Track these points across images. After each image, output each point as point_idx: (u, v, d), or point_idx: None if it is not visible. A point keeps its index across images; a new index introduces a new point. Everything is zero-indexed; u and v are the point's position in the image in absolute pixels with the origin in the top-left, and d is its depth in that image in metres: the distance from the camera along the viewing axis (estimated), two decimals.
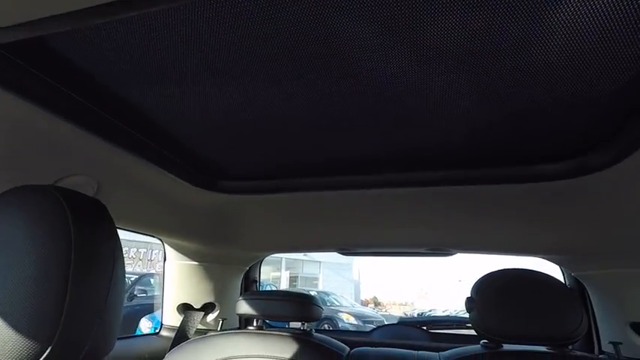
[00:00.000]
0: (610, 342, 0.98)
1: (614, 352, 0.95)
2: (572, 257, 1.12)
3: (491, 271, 0.99)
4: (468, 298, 0.96)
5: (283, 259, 13.79)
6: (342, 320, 7.67)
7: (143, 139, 0.77)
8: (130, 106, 0.67)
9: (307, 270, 14.82)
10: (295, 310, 1.11)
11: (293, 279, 13.85)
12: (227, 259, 1.36)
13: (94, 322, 0.43)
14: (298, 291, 1.19)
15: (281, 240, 1.23)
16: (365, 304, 13.93)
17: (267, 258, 1.55)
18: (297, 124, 0.70)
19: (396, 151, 0.80)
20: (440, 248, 1.19)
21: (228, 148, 0.82)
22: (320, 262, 14.96)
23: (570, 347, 0.93)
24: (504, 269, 0.97)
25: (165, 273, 1.32)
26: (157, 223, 1.01)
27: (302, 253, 14.35)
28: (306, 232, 1.13)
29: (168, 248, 1.27)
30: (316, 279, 14.71)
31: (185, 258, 1.28)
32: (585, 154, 0.74)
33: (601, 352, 1.14)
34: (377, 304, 15.64)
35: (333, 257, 14.49)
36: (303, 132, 0.74)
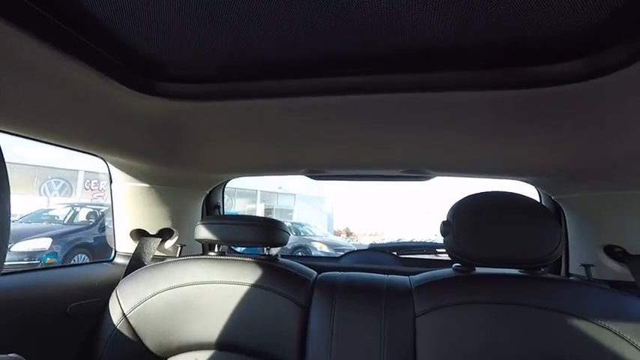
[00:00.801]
0: (582, 264, 0.97)
1: (583, 275, 0.94)
2: (553, 179, 1.06)
3: (470, 194, 0.92)
4: (443, 221, 0.91)
5: (258, 191, 13.91)
6: (315, 249, 8.02)
7: (53, 19, 0.57)
8: None
9: (282, 202, 15.07)
10: (259, 235, 1.03)
11: (268, 211, 14.10)
12: (183, 182, 1.23)
13: None
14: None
15: (241, 160, 1.10)
16: (338, 234, 14.53)
17: (242, 190, 1.44)
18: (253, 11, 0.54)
19: (371, 49, 0.65)
20: (416, 170, 1.10)
21: (167, 38, 0.64)
22: (295, 194, 15.21)
23: (543, 269, 0.90)
24: (483, 192, 0.91)
25: (112, 196, 1.18)
26: (85, 134, 0.84)
27: (277, 187, 14.51)
28: (269, 151, 1.00)
29: (112, 168, 1.12)
30: (291, 211, 15.04)
31: (134, 179, 1.14)
32: (598, 52, 0.61)
33: (568, 274, 1.15)
34: (349, 234, 16.38)
35: (307, 190, 14.75)
36: (261, 21, 0.57)
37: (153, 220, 1.23)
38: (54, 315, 0.96)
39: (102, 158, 1.04)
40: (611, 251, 1.01)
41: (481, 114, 0.75)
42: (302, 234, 9.06)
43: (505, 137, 0.83)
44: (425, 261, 1.41)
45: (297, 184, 14.70)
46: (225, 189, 1.52)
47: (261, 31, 0.60)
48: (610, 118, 0.69)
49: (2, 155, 0.37)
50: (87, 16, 0.58)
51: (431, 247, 1.47)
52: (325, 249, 8.03)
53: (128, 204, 1.19)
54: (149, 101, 0.76)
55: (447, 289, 0.88)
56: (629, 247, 0.96)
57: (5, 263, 0.35)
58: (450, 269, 0.95)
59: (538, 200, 1.23)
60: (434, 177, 1.21)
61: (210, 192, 1.40)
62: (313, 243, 8.24)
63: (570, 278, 1.12)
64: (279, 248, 1.12)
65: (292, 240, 8.19)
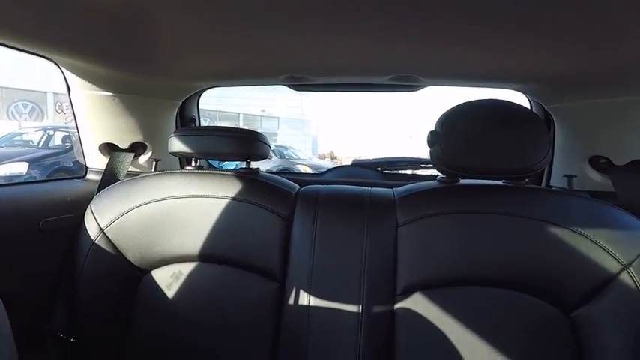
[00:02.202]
0: (565, 175, 0.97)
1: (563, 187, 0.95)
2: (547, 87, 1.02)
3: (460, 103, 0.87)
4: (431, 131, 0.87)
5: (241, 114, 13.60)
6: (300, 171, 8.10)
7: None
8: None
9: (265, 126, 14.84)
10: (237, 147, 0.97)
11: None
12: (151, 90, 1.12)
13: None
14: None
15: (216, 65, 0.99)
16: (322, 157, 14.63)
17: (223, 113, 1.33)
18: None
19: None
20: (405, 77, 1.02)
21: None
22: (278, 117, 14.95)
23: (526, 180, 0.90)
24: (473, 100, 0.86)
25: (73, 107, 1.07)
26: (25, 27, 0.72)
27: (260, 109, 14.15)
28: (244, 53, 0.89)
29: (68, 74, 0.99)
30: (275, 135, 14.89)
31: (95, 87, 1.03)
32: None
33: (548, 186, 1.16)
34: (333, 157, 16.50)
35: (291, 113, 14.46)
36: None
37: (122, 133, 1.14)
38: (26, 230, 0.93)
39: (53, 62, 0.92)
40: (596, 162, 1.01)
41: (471, 14, 0.66)
42: (286, 157, 9.08)
43: (497, 40, 0.76)
44: (409, 176, 1.40)
45: (280, 106, 14.35)
46: (206, 112, 1.43)
47: None
48: (610, 20, 0.62)
49: None
50: None
51: (415, 163, 1.45)
52: (309, 171, 8.14)
53: (92, 115, 1.09)
54: None
55: (429, 199, 0.88)
56: (614, 158, 0.96)
57: None
58: (435, 181, 0.94)
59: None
60: (423, 86, 1.14)
61: (183, 103, 1.30)
62: (297, 166, 8.30)
63: (553, 188, 1.13)
64: (259, 162, 1.07)
65: (276, 163, 8.21)
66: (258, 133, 1.03)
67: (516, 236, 0.79)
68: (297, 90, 1.23)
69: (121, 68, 0.95)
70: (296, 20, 0.71)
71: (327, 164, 10.36)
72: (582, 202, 0.82)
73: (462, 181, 0.92)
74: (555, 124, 1.09)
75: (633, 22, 0.61)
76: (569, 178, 0.95)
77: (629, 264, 0.73)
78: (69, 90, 1.05)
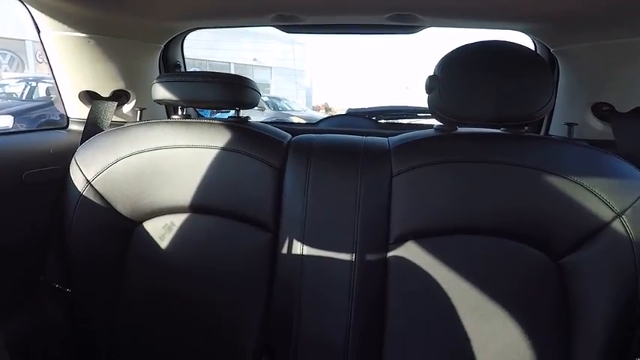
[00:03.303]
0: (566, 123, 0.94)
1: (562, 135, 0.92)
2: (554, 25, 0.95)
3: (461, 45, 0.82)
4: (429, 76, 0.82)
5: (232, 64, 13.14)
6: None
7: None
8: None
9: (258, 76, 14.38)
10: (225, 94, 0.92)
11: None
12: (129, 32, 1.04)
13: None
14: None
15: (197, 1, 0.91)
16: (317, 109, 14.41)
17: (213, 63, 1.24)
18: None
19: None
20: (403, 17, 0.95)
21: None
22: (271, 67, 14.48)
23: (526, 128, 0.87)
24: (476, 42, 0.80)
25: (45, 50, 1.00)
26: None
27: (252, 58, 13.64)
28: None
29: (34, 11, 0.91)
30: (268, 85, 14.51)
31: (66, 27, 0.94)
32: None
33: (547, 134, 1.14)
34: (328, 109, 16.24)
35: (284, 63, 13.98)
36: None
37: (102, 79, 1.07)
38: (9, 182, 0.90)
39: None
40: (598, 110, 0.98)
41: None
42: (280, 109, 8.92)
43: None
44: (405, 125, 1.36)
45: (273, 56, 13.83)
46: (194, 61, 1.35)
47: None
48: None
49: None
50: None
51: (412, 112, 1.41)
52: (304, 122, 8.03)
53: (66, 60, 1.02)
54: None
55: (425, 148, 0.85)
56: (618, 105, 0.92)
57: None
58: (432, 130, 0.91)
59: None
60: (423, 27, 1.07)
61: (166, 47, 1.21)
62: (291, 118, 8.18)
63: (553, 136, 1.11)
64: (252, 114, 1.03)
65: (269, 115, 8.07)
66: (247, 78, 0.97)
67: (511, 185, 0.78)
68: (287, 32, 1.15)
69: (93, 6, 0.87)
70: None
71: (322, 116, 10.20)
72: (580, 150, 0.80)
73: (460, 130, 0.89)
74: (560, 69, 1.04)
75: None
76: (570, 125, 0.92)
77: (623, 212, 0.73)
78: (38, 31, 0.96)
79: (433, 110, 0.85)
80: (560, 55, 1.02)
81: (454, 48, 0.82)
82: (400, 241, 0.83)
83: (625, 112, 0.92)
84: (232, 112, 1.00)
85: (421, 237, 0.82)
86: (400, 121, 1.42)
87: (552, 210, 0.76)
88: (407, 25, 1.04)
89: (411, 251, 0.82)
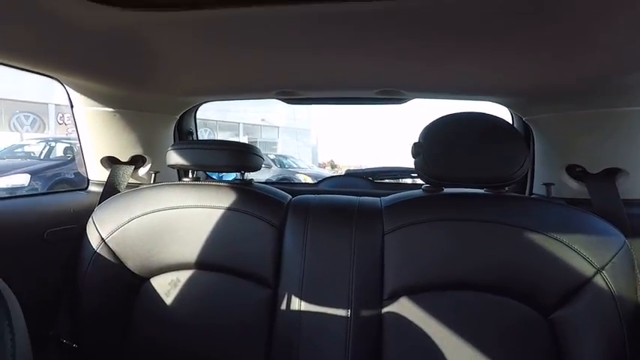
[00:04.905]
0: (543, 183, 1.01)
1: (544, 194, 0.99)
2: (523, 99, 1.06)
3: (441, 116, 0.92)
4: (414, 143, 0.92)
5: (241, 124, 13.66)
6: (300, 180, 8.13)
7: None
8: None
9: (266, 135, 14.91)
10: (231, 159, 1.02)
11: (252, 144, 13.95)
12: (149, 106, 1.18)
13: None
14: None
15: (209, 81, 1.05)
16: (322, 166, 14.67)
17: (224, 123, 1.38)
18: None
19: None
20: (390, 91, 1.08)
21: None
22: (278, 127, 15.01)
23: (507, 189, 0.94)
24: (454, 113, 0.91)
25: (76, 122, 1.13)
26: (32, 51, 0.78)
27: (260, 119, 14.22)
28: (237, 71, 0.95)
29: (71, 91, 1.05)
30: (275, 144, 14.95)
31: (96, 104, 1.08)
32: None
33: (531, 194, 1.21)
34: (334, 166, 16.53)
35: (291, 122, 14.54)
36: None
37: (123, 146, 1.20)
38: (32, 240, 0.97)
39: (58, 80, 0.98)
40: (572, 171, 1.05)
41: (446, 29, 0.71)
42: (286, 166, 9.12)
43: (474, 56, 0.80)
44: (398, 185, 1.45)
45: (280, 115, 14.42)
46: (207, 122, 1.49)
47: None
48: (583, 33, 0.67)
49: None
50: None
51: (406, 172, 1.50)
52: (309, 180, 8.16)
53: (94, 130, 1.15)
54: (97, 10, 0.69)
55: (414, 207, 0.92)
56: (589, 166, 1.00)
57: None
58: (420, 190, 0.98)
59: (510, 122, 1.24)
60: (408, 99, 1.20)
61: (181, 117, 1.35)
62: (297, 175, 8.34)
63: (532, 196, 1.17)
64: (260, 172, 1.12)
65: (276, 172, 8.25)
66: (251, 145, 1.08)
67: (496, 242, 0.83)
68: (289, 103, 1.28)
69: (121, 86, 1.01)
70: (285, 40, 0.76)
71: (327, 173, 10.39)
72: (558, 209, 0.86)
73: (446, 190, 0.97)
74: (534, 134, 1.14)
75: (601, 36, 0.65)
76: (548, 185, 0.99)
77: (602, 267, 0.78)
78: (72, 106, 1.10)
79: (419, 173, 0.93)
80: (533, 123, 1.13)
81: (435, 118, 0.93)
82: (394, 297, 0.87)
83: (596, 172, 0.99)
84: (238, 174, 1.09)
85: (414, 293, 0.86)
86: (395, 180, 1.50)
87: (536, 266, 0.81)
88: (394, 98, 1.17)
89: (404, 307, 0.86)
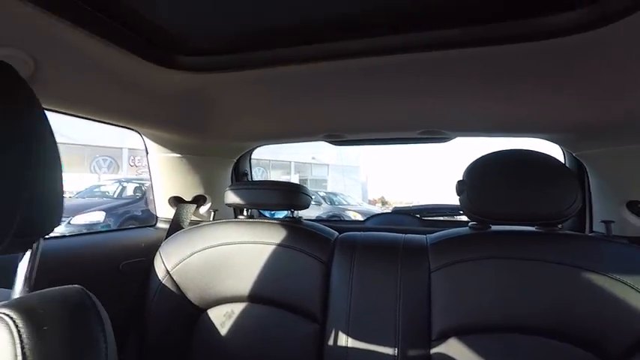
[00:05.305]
0: (602, 221, 0.96)
1: (605, 232, 0.94)
2: (573, 135, 1.04)
3: (485, 154, 0.93)
4: (458, 181, 0.93)
5: (292, 162, 14.08)
6: (349, 217, 8.10)
7: (85, 7, 0.64)
8: None
9: (316, 173, 15.20)
10: (282, 198, 1.10)
11: (303, 181, 14.26)
12: (211, 151, 1.32)
13: (17, 194, 0.38)
14: None
15: (264, 129, 1.16)
16: (373, 203, 14.50)
17: (276, 162, 1.51)
18: None
19: (381, 8, 0.66)
20: (434, 131, 1.11)
21: (185, 14, 0.69)
22: (328, 164, 15.26)
23: (560, 226, 0.91)
24: (498, 151, 0.92)
25: (150, 166, 1.29)
26: (118, 109, 0.93)
27: (310, 157, 14.60)
28: (289, 118, 1.05)
29: (147, 140, 1.22)
30: (325, 181, 15.15)
31: (167, 150, 1.24)
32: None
33: (592, 231, 1.14)
34: (384, 203, 16.28)
35: (340, 160, 14.73)
36: None
37: (187, 187, 1.33)
38: (110, 270, 1.10)
39: (137, 131, 1.14)
40: (634, 207, 0.99)
41: (493, 71, 0.75)
42: (336, 204, 9.16)
43: (519, 94, 0.82)
44: (446, 222, 1.43)
45: (330, 154, 14.70)
46: (260, 161, 1.62)
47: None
48: (630, 68, 0.67)
49: (54, 138, 0.44)
50: (119, 3, 0.64)
51: (454, 209, 1.49)
52: (359, 217, 8.09)
53: (164, 173, 1.30)
54: (172, 75, 0.82)
55: (461, 245, 0.91)
56: None
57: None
58: (466, 228, 0.98)
59: (562, 158, 1.20)
60: (452, 138, 1.22)
61: (237, 160, 1.48)
62: (347, 212, 8.32)
63: (590, 234, 1.11)
64: (310, 210, 1.18)
65: (326, 209, 8.31)
66: (301, 185, 1.15)
67: (551, 283, 0.80)
68: (335, 145, 1.36)
69: (187, 135, 1.15)
70: (335, 89, 0.84)
71: (377, 210, 10.26)
72: (619, 248, 0.82)
73: (494, 228, 0.95)
74: (587, 170, 1.10)
75: None
76: (607, 223, 0.94)
77: None
78: (147, 152, 1.27)
79: (465, 210, 0.93)
80: (584, 158, 1.09)
81: (479, 156, 0.94)
82: (443, 338, 0.85)
83: None
84: (288, 212, 1.16)
85: (464, 334, 0.84)
86: (444, 218, 1.49)
87: (598, 310, 0.76)
88: (437, 137, 1.19)
89: (454, 349, 0.84)
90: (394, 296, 0.90)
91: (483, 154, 0.93)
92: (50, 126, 0.45)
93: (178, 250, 1.10)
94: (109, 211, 6.34)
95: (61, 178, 0.46)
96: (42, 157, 0.42)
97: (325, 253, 1.01)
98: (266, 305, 1.02)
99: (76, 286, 0.43)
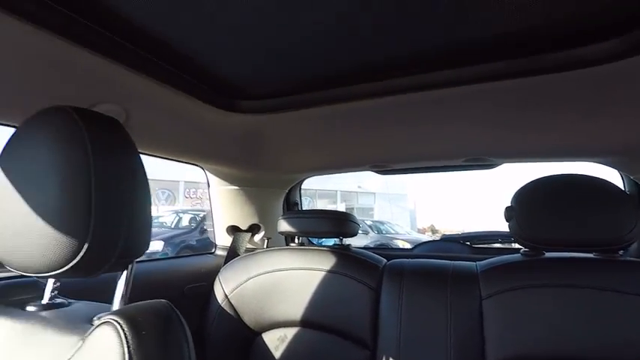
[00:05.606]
0: None
1: None
2: (628, 157, 1.00)
3: (534, 179, 0.93)
4: (506, 207, 0.93)
5: (338, 191, 14.16)
6: (398, 246, 7.89)
7: (164, 65, 0.78)
8: (152, 34, 0.68)
9: (362, 201, 15.13)
10: (331, 226, 1.15)
11: (349, 210, 14.18)
12: (266, 183, 1.42)
13: (122, 223, 0.48)
14: None
15: (314, 161, 1.24)
16: (422, 232, 14.05)
17: (322, 192, 1.60)
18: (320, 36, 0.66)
19: (427, 48, 0.71)
20: (479, 158, 1.12)
21: (245, 66, 0.80)
22: (374, 193, 15.15)
23: (621, 252, 0.87)
24: (546, 176, 0.91)
25: (211, 198, 1.42)
26: (188, 149, 1.06)
27: (356, 186, 14.61)
28: (338, 151, 1.12)
29: (209, 174, 1.35)
30: (372, 209, 15.01)
31: (226, 183, 1.36)
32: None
33: None
34: (434, 231, 15.71)
35: (387, 188, 14.58)
36: (327, 39, 0.69)
37: (243, 217, 1.44)
38: (174, 294, 1.20)
39: (201, 167, 1.28)
40: None
41: (536, 99, 0.77)
42: (383, 232, 9.00)
43: (562, 120, 0.83)
44: (497, 250, 1.40)
45: (376, 182, 14.61)
46: (307, 191, 1.71)
47: (327, 46, 0.72)
48: None
49: (146, 176, 0.54)
50: (183, 54, 0.76)
51: (506, 237, 1.45)
52: (408, 246, 7.87)
53: (223, 204, 1.42)
54: (234, 117, 0.94)
55: (513, 272, 0.90)
56: None
57: None
58: (518, 254, 0.96)
59: (621, 182, 1.15)
60: (499, 164, 1.22)
61: (288, 191, 1.58)
62: (395, 241, 8.14)
63: None
64: (357, 239, 1.22)
65: (374, 238, 8.19)
66: (349, 214, 1.20)
67: (612, 313, 0.76)
68: (381, 174, 1.41)
69: (244, 169, 1.26)
70: (383, 122, 0.90)
71: (427, 239, 9.92)
72: None
73: (547, 254, 0.93)
74: None
75: None
76: None
77: None
78: (209, 186, 1.40)
79: (515, 237, 0.92)
80: None
81: (527, 182, 0.93)
82: None
83: None
84: (337, 240, 1.21)
85: None
86: (495, 245, 1.46)
87: None
88: (482, 164, 1.20)
89: None
90: (445, 324, 0.90)
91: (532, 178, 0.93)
92: (144, 166, 0.55)
93: (235, 275, 1.17)
94: (167, 241, 6.73)
95: (150, 211, 0.55)
96: (139, 193, 0.51)
97: (374, 279, 1.03)
98: (317, 330, 1.05)
99: (162, 300, 0.51)
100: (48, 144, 0.44)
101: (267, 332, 1.11)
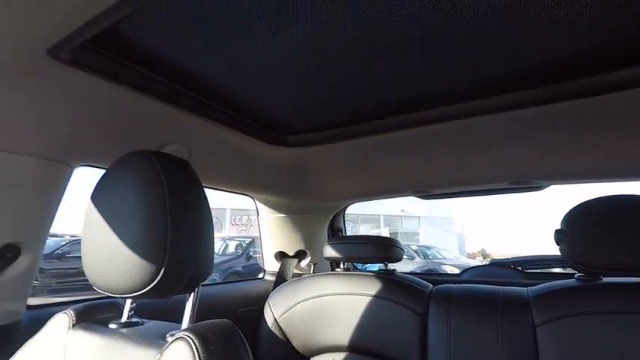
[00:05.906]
0: None
1: None
2: None
3: (584, 200, 0.91)
4: (556, 230, 0.91)
5: (381, 216, 13.96)
6: (446, 272, 7.56)
7: (221, 108, 0.88)
8: (208, 81, 0.79)
9: (406, 225, 14.77)
10: (376, 251, 1.18)
11: (393, 235, 13.94)
12: (311, 210, 1.48)
13: (191, 252, 0.55)
14: None
15: (357, 189, 1.29)
16: (472, 256, 13.39)
17: (365, 216, 1.64)
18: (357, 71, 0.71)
19: (490, 73, 0.74)
20: (526, 181, 1.11)
21: (291, 104, 0.89)
22: (419, 217, 14.77)
23: None
24: (598, 197, 0.89)
25: (260, 226, 1.50)
26: (240, 181, 1.15)
27: (399, 210, 14.34)
28: (381, 178, 1.16)
29: (258, 203, 1.44)
30: (417, 234, 14.59)
31: (274, 211, 1.43)
32: None
33: None
34: (485, 256, 14.90)
35: (432, 211, 14.17)
36: (367, 78, 0.75)
37: (290, 243, 1.50)
38: (230, 317, 1.25)
39: (250, 196, 1.37)
40: None
41: (582, 121, 0.77)
42: (430, 257, 8.70)
43: (617, 138, 0.81)
44: (550, 275, 1.34)
45: (420, 205, 14.26)
46: (349, 216, 1.75)
47: (369, 82, 0.78)
48: None
49: (210, 208, 0.61)
50: (237, 98, 0.86)
51: (560, 261, 1.38)
52: (457, 271, 7.51)
53: (271, 231, 1.49)
54: (282, 151, 1.02)
55: (568, 298, 0.87)
56: None
57: None
58: (573, 279, 0.93)
59: None
60: (545, 187, 1.19)
61: (333, 218, 1.62)
62: (443, 266, 7.82)
63: None
64: (403, 264, 1.24)
65: (420, 264, 7.94)
66: (393, 239, 1.22)
67: None
68: (424, 199, 1.42)
69: (292, 197, 1.34)
70: (426, 149, 0.93)
71: (477, 264, 9.42)
72: None
73: (604, 279, 0.89)
74: None
75: None
76: None
77: None
78: (258, 214, 1.48)
79: (567, 260, 0.89)
80: None
81: (578, 203, 0.91)
82: None
83: None
84: (381, 265, 1.23)
85: None
86: (549, 270, 1.39)
87: None
88: (527, 187, 1.18)
89: None
90: (496, 350, 0.89)
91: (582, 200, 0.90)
92: (207, 200, 0.63)
93: (284, 300, 1.22)
94: (215, 267, 6.96)
95: (213, 239, 0.63)
96: (203, 224, 0.59)
97: (421, 304, 1.04)
98: (365, 355, 1.06)
99: (226, 319, 0.57)
100: (135, 186, 0.53)
101: (316, 357, 1.14)
